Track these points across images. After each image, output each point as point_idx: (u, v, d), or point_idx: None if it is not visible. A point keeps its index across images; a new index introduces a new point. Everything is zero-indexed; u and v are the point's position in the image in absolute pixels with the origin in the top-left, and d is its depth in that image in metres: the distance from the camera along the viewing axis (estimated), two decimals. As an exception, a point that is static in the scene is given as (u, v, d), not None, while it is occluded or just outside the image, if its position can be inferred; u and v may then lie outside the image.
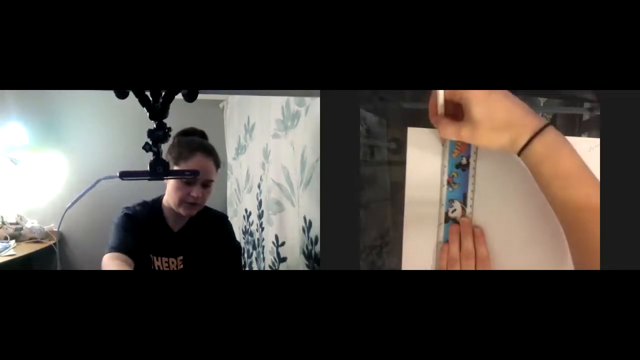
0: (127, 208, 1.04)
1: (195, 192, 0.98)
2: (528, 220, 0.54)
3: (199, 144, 1.02)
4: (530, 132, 0.45)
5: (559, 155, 0.45)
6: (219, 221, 1.16)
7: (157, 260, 1.04)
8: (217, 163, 1.05)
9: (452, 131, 0.49)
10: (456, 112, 0.50)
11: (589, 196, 0.44)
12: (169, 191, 1.02)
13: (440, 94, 0.50)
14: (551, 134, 0.45)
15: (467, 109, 0.47)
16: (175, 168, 0.98)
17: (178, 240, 1.07)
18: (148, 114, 0.60)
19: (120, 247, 0.93)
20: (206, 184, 1.01)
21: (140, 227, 1.01)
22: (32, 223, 2.20)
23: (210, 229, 1.11)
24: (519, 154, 0.47)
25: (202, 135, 1.11)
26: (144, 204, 1.07)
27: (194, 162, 0.98)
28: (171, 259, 1.05)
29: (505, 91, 0.47)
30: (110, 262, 0.89)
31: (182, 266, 1.06)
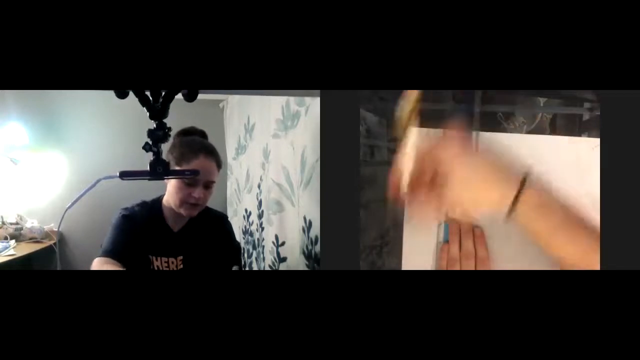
0: (125, 209, 1.03)
1: (197, 193, 0.98)
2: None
3: (201, 145, 1.02)
4: (513, 189, 0.44)
5: (546, 212, 0.45)
6: (219, 221, 1.15)
7: (157, 260, 1.03)
8: (219, 164, 1.05)
9: (433, 207, 0.47)
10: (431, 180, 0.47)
11: (585, 252, 0.44)
12: (170, 191, 1.02)
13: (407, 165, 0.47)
14: (531, 188, 0.44)
15: (444, 175, 0.46)
16: (177, 168, 0.98)
17: (178, 240, 1.07)
18: (148, 114, 0.60)
19: (111, 252, 0.93)
20: (208, 185, 1.01)
21: (139, 228, 1.00)
22: (32, 223, 2.20)
23: (210, 229, 1.11)
24: (508, 215, 0.45)
25: (202, 134, 1.11)
26: (144, 204, 1.06)
27: (197, 164, 0.97)
28: (171, 259, 1.05)
29: (480, 151, 0.46)
30: (99, 266, 0.88)
31: (181, 266, 1.06)
